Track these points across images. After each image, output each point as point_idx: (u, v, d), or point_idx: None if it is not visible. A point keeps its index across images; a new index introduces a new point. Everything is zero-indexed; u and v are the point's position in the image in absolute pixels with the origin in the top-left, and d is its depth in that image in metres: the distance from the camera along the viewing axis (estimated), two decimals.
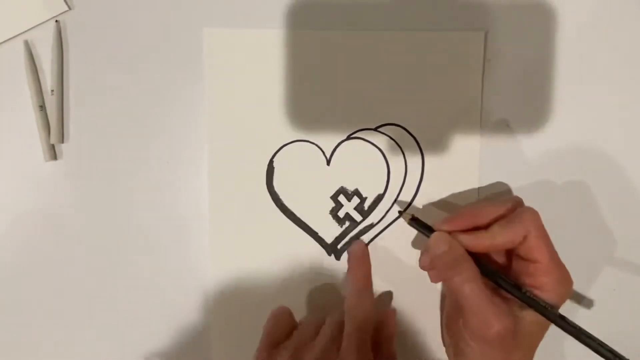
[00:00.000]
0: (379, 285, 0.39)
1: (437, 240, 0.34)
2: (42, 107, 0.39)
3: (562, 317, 0.33)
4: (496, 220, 0.34)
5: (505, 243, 0.34)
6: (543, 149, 0.39)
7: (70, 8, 0.38)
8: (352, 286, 0.37)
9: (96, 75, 0.39)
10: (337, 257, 0.40)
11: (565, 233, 0.39)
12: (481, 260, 0.35)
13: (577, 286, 0.39)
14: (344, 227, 0.39)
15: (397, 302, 0.40)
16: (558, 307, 0.33)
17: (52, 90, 0.39)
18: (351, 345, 0.34)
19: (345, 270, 0.40)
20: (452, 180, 0.39)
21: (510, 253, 0.36)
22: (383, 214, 0.39)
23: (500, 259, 0.37)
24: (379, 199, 0.39)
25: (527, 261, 0.34)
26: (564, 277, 0.34)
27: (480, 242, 0.34)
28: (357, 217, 0.39)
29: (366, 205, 0.39)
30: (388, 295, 0.40)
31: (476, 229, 0.34)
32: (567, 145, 0.39)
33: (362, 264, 0.38)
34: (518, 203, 0.35)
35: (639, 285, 0.40)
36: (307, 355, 0.34)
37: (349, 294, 0.37)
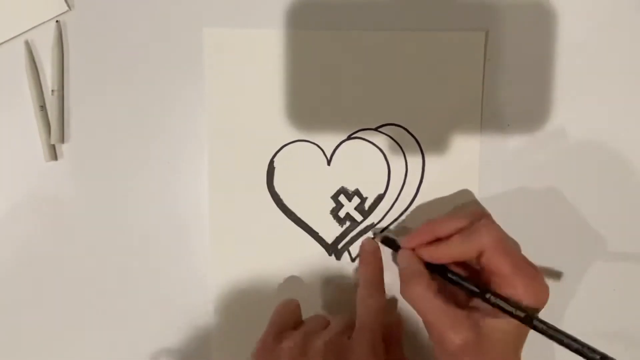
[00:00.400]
0: None
1: (399, 258, 0.36)
2: (42, 107, 0.39)
3: (531, 318, 0.31)
4: (458, 232, 0.35)
5: (462, 254, 0.34)
6: (543, 149, 0.39)
7: (70, 8, 0.38)
8: (364, 280, 0.37)
9: (96, 75, 0.39)
10: (338, 257, 0.40)
11: (565, 233, 0.39)
12: (449, 269, 0.35)
13: (577, 286, 0.39)
14: (345, 227, 0.39)
15: (398, 301, 0.40)
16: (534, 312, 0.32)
17: (53, 91, 0.39)
18: (364, 336, 0.34)
19: (350, 270, 0.40)
20: (452, 180, 0.39)
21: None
22: (383, 214, 0.39)
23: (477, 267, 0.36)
24: (379, 199, 0.39)
25: (491, 273, 0.34)
26: (532, 285, 0.33)
27: (438, 253, 0.35)
28: (358, 217, 0.39)
29: (367, 205, 0.39)
30: (389, 294, 0.40)
31: (440, 241, 0.35)
32: (567, 145, 0.39)
33: (373, 259, 0.38)
34: (480, 215, 0.35)
35: (639, 285, 0.40)
36: (317, 341, 0.34)
37: (361, 287, 0.37)
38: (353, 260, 0.40)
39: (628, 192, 0.39)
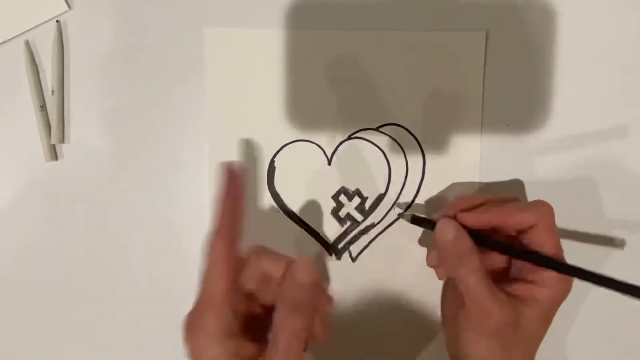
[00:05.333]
0: (381, 285, 0.39)
1: (444, 227, 0.33)
2: (42, 107, 0.39)
3: (582, 269, 0.32)
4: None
5: (515, 222, 0.33)
6: (543, 149, 0.39)
7: (70, 8, 0.38)
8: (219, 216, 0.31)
9: (96, 75, 0.39)
10: (338, 257, 0.40)
11: (566, 232, 0.39)
12: (491, 235, 0.34)
13: (580, 285, 0.39)
14: (345, 226, 0.39)
15: (399, 301, 0.40)
16: (558, 301, 0.33)
17: (53, 91, 0.39)
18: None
19: (352, 270, 0.39)
20: (453, 180, 0.39)
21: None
22: (384, 213, 0.39)
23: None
24: (380, 198, 0.39)
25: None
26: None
27: (491, 215, 0.33)
28: (358, 216, 0.39)
29: (367, 205, 0.39)
30: (390, 294, 0.40)
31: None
32: (567, 145, 0.39)
33: (234, 187, 0.31)
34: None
35: None
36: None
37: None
38: (354, 260, 0.40)
39: (628, 192, 0.39)
